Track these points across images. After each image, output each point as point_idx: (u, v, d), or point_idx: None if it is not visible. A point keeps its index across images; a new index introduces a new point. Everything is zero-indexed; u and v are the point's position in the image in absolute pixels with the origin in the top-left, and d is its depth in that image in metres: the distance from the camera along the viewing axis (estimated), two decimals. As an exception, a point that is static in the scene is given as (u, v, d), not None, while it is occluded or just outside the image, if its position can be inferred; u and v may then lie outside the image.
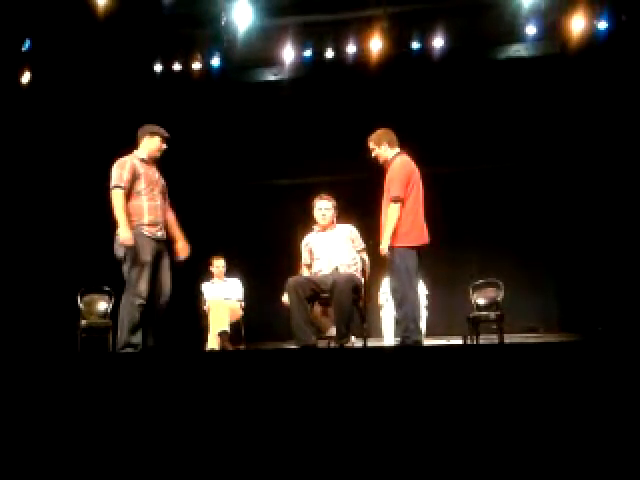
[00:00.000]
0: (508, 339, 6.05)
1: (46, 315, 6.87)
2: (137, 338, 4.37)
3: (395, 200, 4.60)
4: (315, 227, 5.37)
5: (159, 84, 7.71)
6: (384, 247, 4.57)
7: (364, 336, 5.19)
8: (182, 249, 4.70)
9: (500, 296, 6.42)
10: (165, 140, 4.71)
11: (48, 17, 6.88)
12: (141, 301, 4.35)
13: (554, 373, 2.48)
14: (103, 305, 6.83)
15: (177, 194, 6.49)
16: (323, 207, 5.26)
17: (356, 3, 7.21)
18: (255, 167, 8.12)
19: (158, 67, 7.66)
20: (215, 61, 7.53)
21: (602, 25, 6.82)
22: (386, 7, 7.15)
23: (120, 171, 4.45)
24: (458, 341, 6.18)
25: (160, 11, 7.05)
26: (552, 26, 7.01)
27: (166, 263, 4.56)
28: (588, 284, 7.14)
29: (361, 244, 5.31)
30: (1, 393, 2.70)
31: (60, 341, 6.52)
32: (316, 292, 5.01)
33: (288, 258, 5.81)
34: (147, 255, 4.39)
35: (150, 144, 4.69)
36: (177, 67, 7.66)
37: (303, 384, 2.60)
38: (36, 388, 2.73)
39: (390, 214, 4.60)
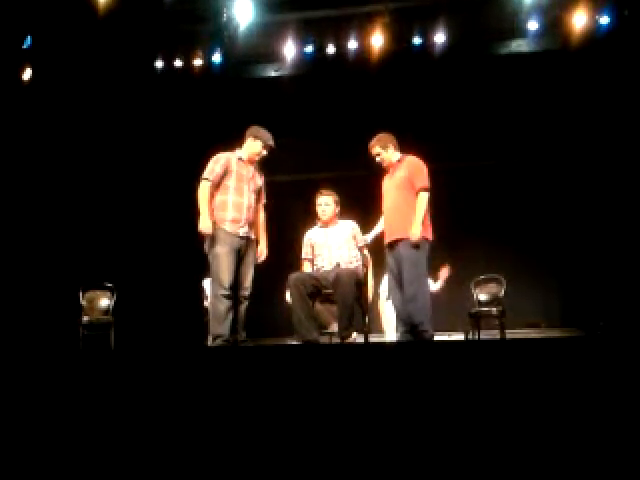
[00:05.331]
0: (510, 334, 6.06)
1: (48, 312, 6.87)
2: (222, 329, 4.48)
3: (425, 189, 4.70)
4: (318, 222, 5.38)
5: (160, 80, 7.71)
6: (417, 233, 4.58)
7: (365, 332, 5.19)
8: (260, 252, 4.84)
9: (502, 291, 6.42)
10: (266, 147, 4.79)
11: (49, 14, 6.87)
12: (223, 292, 4.49)
13: (556, 368, 2.48)
14: (105, 302, 6.84)
15: (178, 190, 6.52)
16: (323, 203, 5.26)
17: (357, -2, 7.21)
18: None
19: (159, 63, 7.66)
20: (216, 57, 7.51)
21: (604, 20, 6.80)
22: (387, 3, 7.14)
23: (213, 165, 4.67)
24: (460, 337, 6.18)
25: (161, 7, 7.04)
26: (554, 21, 6.99)
27: (249, 259, 4.69)
28: (590, 279, 7.14)
29: (362, 241, 5.31)
30: (2, 390, 2.70)
31: (62, 338, 6.53)
32: (318, 288, 5.01)
33: (290, 254, 5.81)
34: (222, 247, 4.53)
35: (251, 147, 4.81)
36: (178, 63, 7.65)
37: (305, 380, 2.60)
38: (38, 385, 2.74)
39: (420, 203, 4.66)
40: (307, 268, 5.30)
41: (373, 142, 4.93)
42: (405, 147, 4.97)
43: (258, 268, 4.77)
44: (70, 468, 2.43)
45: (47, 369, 2.88)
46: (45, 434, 2.53)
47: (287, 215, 7.30)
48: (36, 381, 2.76)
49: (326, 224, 5.30)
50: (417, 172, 4.76)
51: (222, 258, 4.51)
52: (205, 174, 4.64)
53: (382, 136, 4.93)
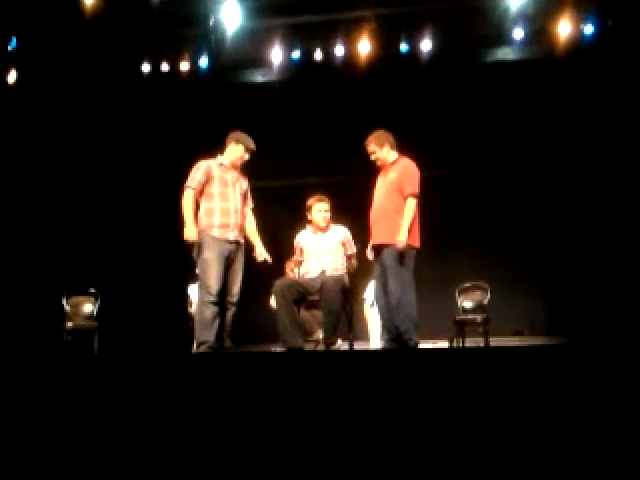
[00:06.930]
0: (494, 342, 6.07)
1: (31, 317, 6.81)
2: (207, 335, 4.46)
3: (413, 196, 4.67)
4: (309, 227, 5.37)
5: (147, 84, 7.68)
6: (403, 240, 4.56)
7: (351, 339, 5.19)
8: (259, 255, 4.83)
9: (486, 299, 6.42)
10: (248, 151, 4.79)
11: (35, 16, 6.83)
12: (210, 298, 4.48)
13: (539, 376, 2.49)
14: (89, 307, 6.80)
15: (164, 195, 6.48)
16: (323, 209, 5.28)
17: (344, 4, 7.21)
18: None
19: (146, 67, 7.62)
20: (203, 61, 7.49)
21: (588, 30, 6.87)
22: (374, 9, 7.16)
23: (194, 173, 4.67)
24: (444, 344, 6.19)
25: (148, 10, 7.01)
26: (539, 30, 7.05)
27: (237, 265, 4.67)
28: (574, 287, 7.17)
29: (352, 249, 5.32)
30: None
31: (46, 343, 6.48)
32: (303, 295, 5.01)
33: (275, 260, 5.80)
34: (211, 253, 4.52)
35: (233, 152, 4.81)
36: (165, 67, 7.62)
37: (290, 387, 2.59)
38: (22, 391, 2.71)
39: (407, 210, 4.63)
40: (294, 267, 5.35)
41: (369, 139, 4.89)
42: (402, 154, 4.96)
43: (245, 275, 4.76)
44: (52, 473, 2.41)
45: (31, 375, 2.85)
46: (28, 440, 2.51)
47: (273, 221, 7.28)
48: (20, 387, 2.74)
49: (322, 230, 5.30)
50: (407, 177, 4.74)
51: (210, 264, 4.50)
52: (187, 183, 4.65)
53: (379, 134, 4.90)
